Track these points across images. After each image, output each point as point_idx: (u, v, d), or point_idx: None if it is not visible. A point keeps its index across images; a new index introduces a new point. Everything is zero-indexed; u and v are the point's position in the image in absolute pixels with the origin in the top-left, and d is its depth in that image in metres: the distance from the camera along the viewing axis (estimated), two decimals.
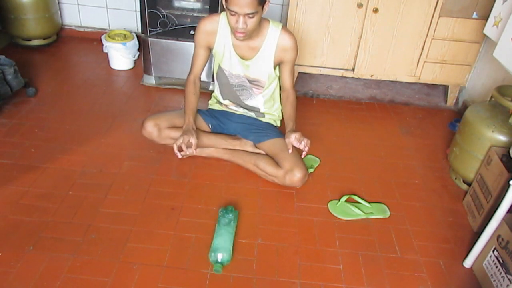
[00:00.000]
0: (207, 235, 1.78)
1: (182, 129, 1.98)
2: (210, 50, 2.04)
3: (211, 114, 2.22)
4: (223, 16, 1.94)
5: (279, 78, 2.10)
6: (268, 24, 1.93)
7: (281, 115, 2.23)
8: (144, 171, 2.09)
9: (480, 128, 1.99)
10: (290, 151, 1.96)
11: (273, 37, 1.94)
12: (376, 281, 1.67)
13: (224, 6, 1.77)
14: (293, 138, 1.92)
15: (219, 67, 2.07)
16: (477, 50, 2.72)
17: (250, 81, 2.06)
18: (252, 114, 2.21)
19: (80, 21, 3.38)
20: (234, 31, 1.81)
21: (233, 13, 1.73)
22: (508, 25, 2.04)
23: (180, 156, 1.93)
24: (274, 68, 2.02)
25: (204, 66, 2.09)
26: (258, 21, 1.81)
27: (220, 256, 1.62)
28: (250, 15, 1.74)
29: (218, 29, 1.96)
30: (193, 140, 1.92)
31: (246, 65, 2.00)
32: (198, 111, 2.17)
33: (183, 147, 1.91)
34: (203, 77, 2.77)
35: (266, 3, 1.79)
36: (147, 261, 1.64)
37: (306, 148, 1.92)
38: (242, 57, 1.99)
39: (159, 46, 2.69)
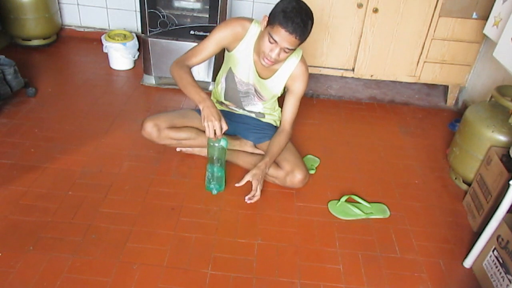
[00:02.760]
0: (207, 235, 1.78)
1: (202, 109, 1.76)
2: (220, 50, 1.95)
3: None
4: (254, 25, 1.88)
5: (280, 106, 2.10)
6: None
7: (281, 115, 2.22)
8: (144, 171, 2.09)
9: (480, 128, 1.99)
10: (238, 184, 1.88)
11: (291, 64, 1.93)
12: (376, 281, 1.67)
13: (263, 27, 1.75)
14: (250, 177, 1.85)
15: (230, 70, 2.02)
16: (477, 50, 2.72)
17: (256, 91, 2.05)
18: (252, 115, 2.21)
19: (80, 21, 3.38)
20: (264, 55, 1.77)
21: (272, 41, 1.71)
22: (508, 25, 2.04)
23: (217, 134, 1.77)
24: (282, 90, 2.03)
25: (201, 63, 1.98)
26: (289, 56, 1.82)
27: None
28: (287, 51, 1.74)
29: (245, 36, 1.90)
30: (223, 124, 1.77)
31: (259, 81, 1.99)
32: (197, 111, 2.15)
33: (217, 131, 1.75)
34: (204, 77, 2.79)
35: None
36: (147, 261, 1.64)
37: (251, 200, 1.89)
38: (259, 74, 1.97)
39: (159, 46, 2.69)
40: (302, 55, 1.96)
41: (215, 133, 1.77)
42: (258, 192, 1.89)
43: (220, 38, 1.90)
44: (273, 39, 1.71)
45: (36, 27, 3.03)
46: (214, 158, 1.90)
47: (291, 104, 2.01)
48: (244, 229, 1.83)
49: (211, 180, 1.96)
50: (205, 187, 2.00)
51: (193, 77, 1.86)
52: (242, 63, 1.96)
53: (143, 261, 1.64)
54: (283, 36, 1.69)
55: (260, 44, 1.79)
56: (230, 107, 2.21)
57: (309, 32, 1.75)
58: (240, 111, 2.20)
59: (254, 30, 1.88)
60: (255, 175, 1.87)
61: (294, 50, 1.77)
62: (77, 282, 1.54)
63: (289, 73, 1.95)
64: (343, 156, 2.37)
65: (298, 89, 1.98)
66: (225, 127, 1.78)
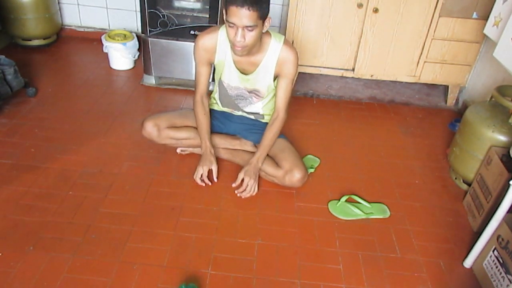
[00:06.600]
0: (207, 235, 1.78)
1: (201, 154, 2.05)
2: (211, 64, 2.02)
3: (211, 114, 2.21)
4: (222, 31, 1.90)
5: None
6: (269, 38, 1.88)
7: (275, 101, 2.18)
8: (144, 171, 2.09)
9: (480, 128, 1.99)
10: (234, 184, 1.98)
11: (274, 51, 1.89)
12: (376, 281, 1.67)
13: (224, 19, 1.73)
14: (243, 175, 1.96)
15: (220, 79, 2.05)
16: (477, 50, 2.72)
17: (249, 91, 2.05)
18: (251, 116, 2.20)
19: (80, 21, 3.38)
20: (232, 45, 1.76)
21: (231, 25, 1.68)
22: (508, 25, 2.04)
23: (204, 184, 2.03)
24: (274, 80, 1.99)
25: (209, 82, 2.07)
26: (258, 36, 1.75)
27: None
28: (249, 28, 1.68)
29: (217, 45, 1.92)
30: (213, 168, 2.02)
31: (245, 79, 1.99)
32: None
33: (205, 179, 2.02)
34: None
35: (267, 19, 1.74)
36: (147, 261, 1.64)
37: (242, 194, 1.98)
38: (242, 72, 1.97)
39: (159, 46, 2.69)
40: (285, 39, 1.91)
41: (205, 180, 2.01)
42: (252, 187, 1.97)
43: (201, 59, 1.98)
44: (231, 22, 1.68)
45: (36, 27, 3.03)
46: None
47: (283, 88, 1.97)
48: (244, 229, 1.83)
49: None
50: None
51: (204, 122, 2.06)
52: (226, 68, 1.97)
53: (143, 261, 1.64)
54: (237, 14, 1.64)
55: (227, 37, 1.79)
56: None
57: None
58: (239, 113, 2.21)
59: (224, 34, 1.89)
60: (247, 171, 1.97)
61: (256, 27, 1.69)
62: (77, 282, 1.54)
63: (275, 59, 1.90)
64: (343, 156, 2.37)
65: (288, 72, 1.93)
66: (215, 172, 2.02)
